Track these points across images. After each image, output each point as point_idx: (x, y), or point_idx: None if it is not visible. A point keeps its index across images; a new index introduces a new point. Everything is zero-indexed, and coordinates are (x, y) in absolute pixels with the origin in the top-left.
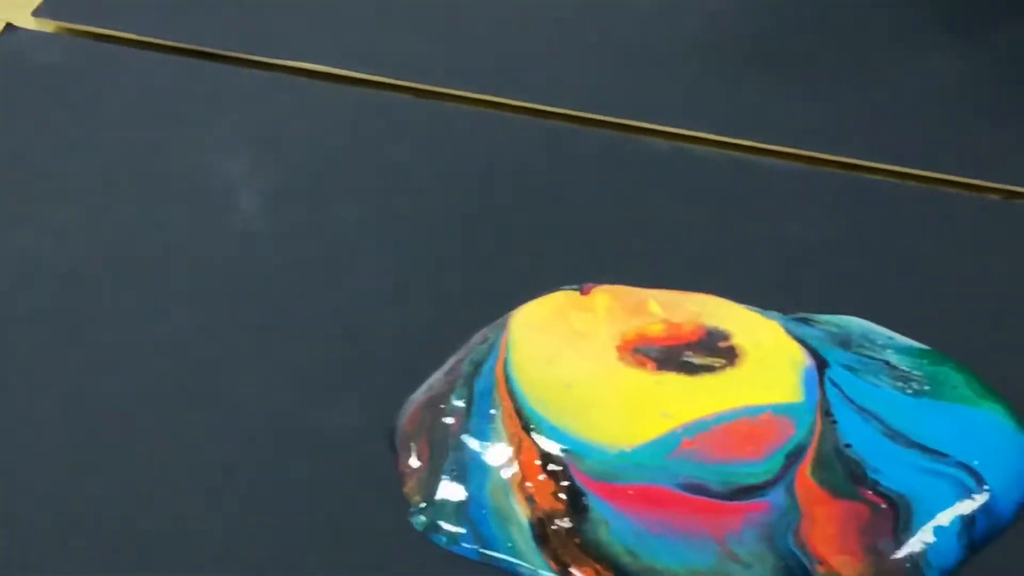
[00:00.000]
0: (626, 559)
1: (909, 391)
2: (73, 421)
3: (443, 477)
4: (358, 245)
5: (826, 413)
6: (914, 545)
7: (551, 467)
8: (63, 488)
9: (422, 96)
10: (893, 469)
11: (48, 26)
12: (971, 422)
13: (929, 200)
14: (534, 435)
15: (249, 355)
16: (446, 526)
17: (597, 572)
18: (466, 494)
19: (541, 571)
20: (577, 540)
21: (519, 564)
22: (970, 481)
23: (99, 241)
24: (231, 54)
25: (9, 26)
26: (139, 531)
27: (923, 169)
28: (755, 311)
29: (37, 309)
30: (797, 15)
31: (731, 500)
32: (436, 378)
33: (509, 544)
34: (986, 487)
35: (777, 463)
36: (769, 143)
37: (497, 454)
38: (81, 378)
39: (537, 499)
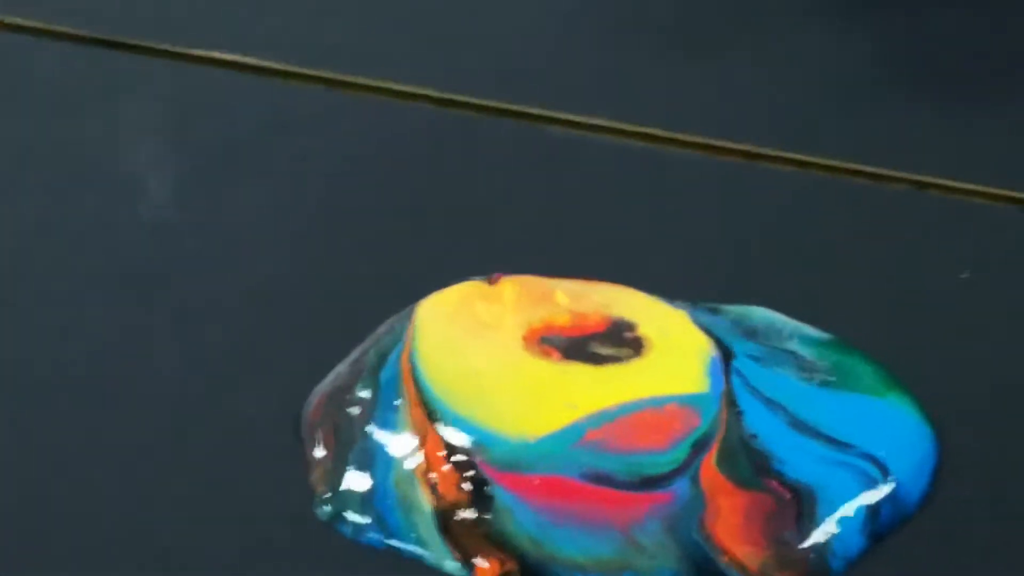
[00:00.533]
0: (530, 548)
1: (815, 381)
2: None
3: (348, 467)
4: (265, 235)
5: (732, 403)
6: (819, 535)
7: (456, 457)
8: None
9: (331, 86)
10: (798, 460)
11: None
12: (876, 413)
13: (834, 189)
14: (439, 425)
15: (155, 344)
16: (351, 516)
17: (501, 562)
18: (371, 484)
19: (445, 561)
20: (481, 530)
21: (424, 554)
22: (875, 472)
23: (4, 232)
24: (137, 43)
25: None
26: (37, 517)
27: (827, 158)
28: (662, 301)
29: None
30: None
31: (636, 490)
32: (341, 368)
33: (414, 534)
34: (891, 478)
35: (682, 453)
36: (673, 131)
37: (402, 444)
38: None
39: (441, 489)
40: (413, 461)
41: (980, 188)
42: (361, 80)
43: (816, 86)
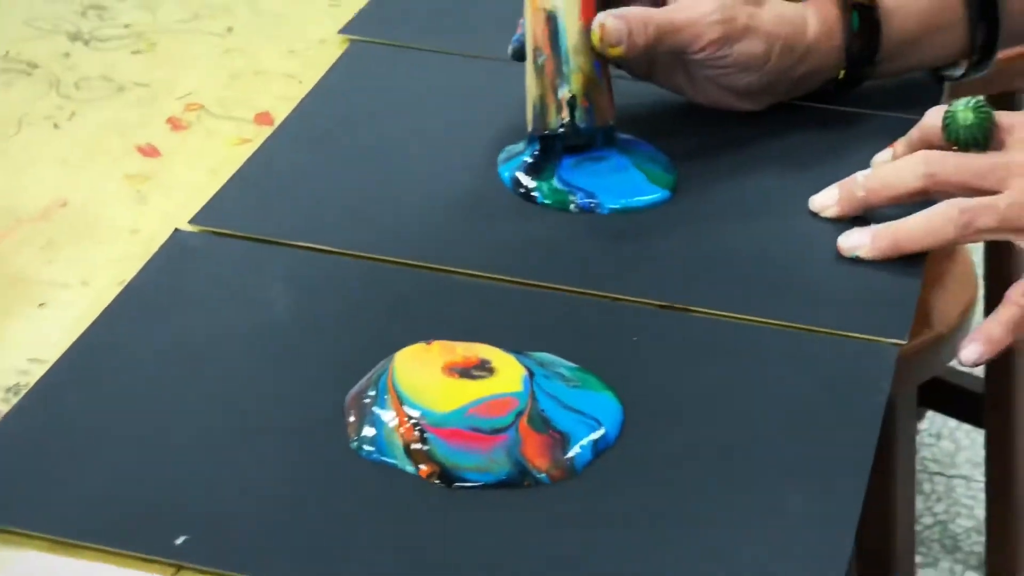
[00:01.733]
0: (444, 462)
1: (570, 386)
2: None
3: (364, 426)
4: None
5: (533, 396)
6: (571, 453)
7: (411, 421)
8: None
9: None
10: (562, 421)
11: None
12: (598, 399)
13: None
14: (405, 407)
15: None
16: (366, 447)
17: (431, 468)
18: (374, 433)
19: (407, 467)
20: (424, 451)
21: (397, 463)
22: (595, 425)
23: None
24: None
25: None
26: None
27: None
28: (502, 351)
29: None
30: None
31: (491, 435)
32: (362, 381)
33: (394, 456)
34: (603, 428)
35: (511, 418)
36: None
37: (389, 416)
38: None
39: (406, 436)
40: (393, 423)
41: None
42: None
43: None
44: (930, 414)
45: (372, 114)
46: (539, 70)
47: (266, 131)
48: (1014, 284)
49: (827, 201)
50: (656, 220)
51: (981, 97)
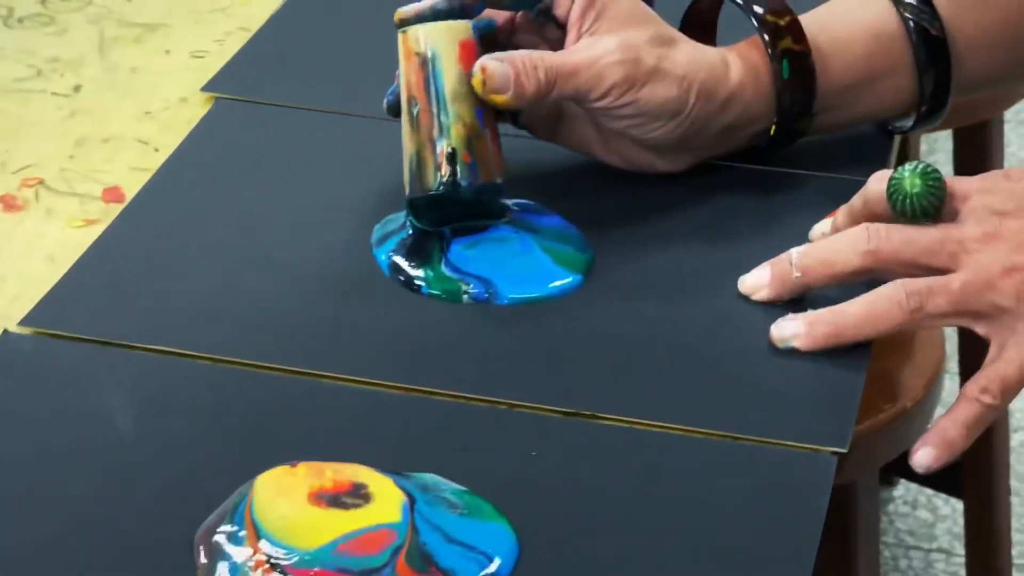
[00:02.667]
0: None
1: (458, 514)
2: None
3: (217, 566)
4: None
5: (414, 528)
6: None
7: (270, 562)
8: None
9: None
10: (447, 557)
11: None
12: (488, 530)
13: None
14: (262, 543)
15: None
16: None
17: None
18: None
19: None
20: None
21: None
22: (485, 562)
23: None
24: None
25: None
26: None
27: None
28: (379, 472)
29: None
30: None
31: None
32: (215, 512)
33: None
34: (495, 562)
35: (387, 556)
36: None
37: (245, 556)
38: None
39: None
40: (250, 563)
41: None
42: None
43: None
44: (904, 482)
45: (236, 185)
46: (415, 122)
47: (115, 209)
48: (972, 378)
49: (758, 283)
50: (563, 310)
51: (929, 163)
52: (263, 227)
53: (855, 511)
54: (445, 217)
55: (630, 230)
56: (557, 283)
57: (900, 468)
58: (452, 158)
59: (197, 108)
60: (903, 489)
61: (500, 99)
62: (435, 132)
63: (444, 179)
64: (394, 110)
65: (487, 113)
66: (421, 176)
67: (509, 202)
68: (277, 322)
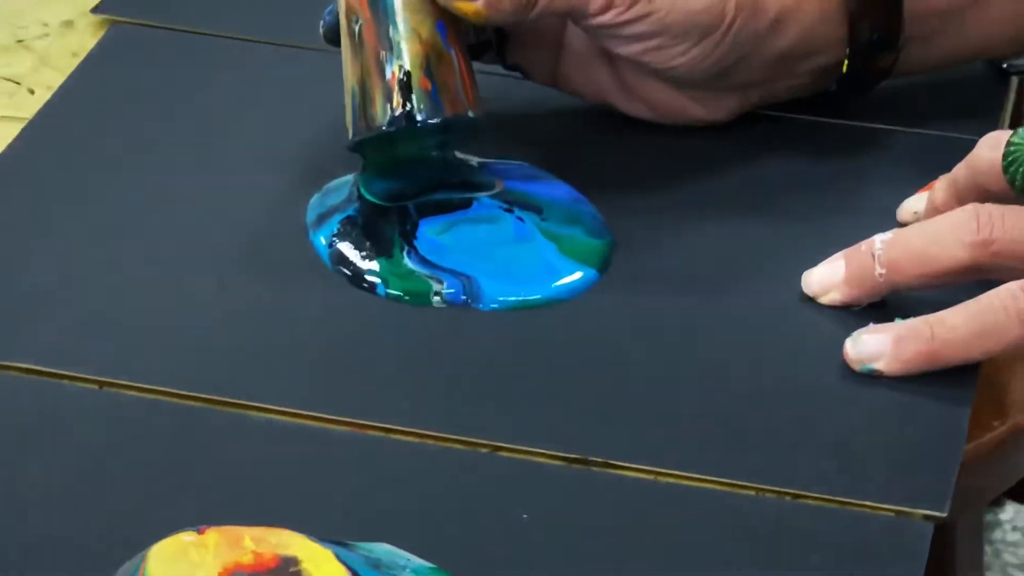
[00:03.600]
0: None
1: None
2: None
3: None
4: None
5: None
6: None
7: None
8: None
9: None
10: None
11: None
12: None
13: None
14: None
15: None
16: None
17: None
18: None
19: None
20: None
21: None
22: None
23: None
24: None
25: None
26: None
27: None
28: (317, 542)
29: None
30: None
31: None
32: None
33: None
34: None
35: None
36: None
37: None
38: None
39: None
40: None
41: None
42: None
43: None
44: (1013, 504)
45: (133, 136)
46: (357, 43)
47: None
48: None
49: (828, 280)
50: (569, 318)
51: None
52: (168, 195)
53: (952, 555)
54: (408, 185)
55: (659, 205)
56: (563, 281)
57: (1011, 489)
58: (406, 84)
59: (86, 35)
60: (1012, 511)
61: (467, 7)
62: (383, 52)
63: (396, 112)
64: (332, 35)
65: (452, 30)
66: (366, 111)
67: (498, 165)
68: (184, 334)
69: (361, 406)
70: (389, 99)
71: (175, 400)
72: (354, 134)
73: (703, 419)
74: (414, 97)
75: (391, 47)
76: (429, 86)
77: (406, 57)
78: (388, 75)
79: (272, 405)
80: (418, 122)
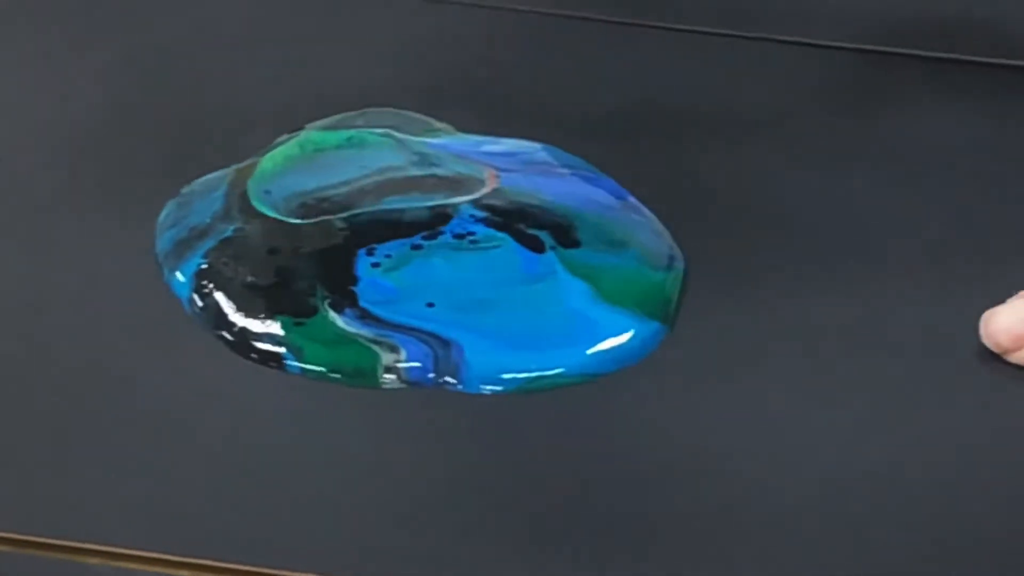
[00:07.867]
0: None
1: None
2: None
3: None
4: None
5: None
6: None
7: None
8: None
9: None
10: None
11: None
12: None
13: None
14: None
15: None
16: None
17: None
18: None
19: None
20: None
21: None
22: None
23: None
24: None
25: None
26: None
27: None
28: None
29: None
30: None
31: None
32: None
33: None
34: None
35: None
36: None
37: None
38: None
39: None
40: None
41: None
42: None
43: None
44: None
45: None
46: None
47: None
48: None
49: (1016, 326)
50: (610, 409)
51: None
52: None
53: None
54: (332, 185)
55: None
56: (604, 346)
57: None
58: None
59: None
60: None
61: None
62: None
63: None
64: None
65: None
66: None
67: (494, 147)
68: None
69: (263, 551)
70: None
71: None
72: None
73: (828, 556)
74: None
75: None
76: None
77: None
78: None
79: (123, 548)
80: None
